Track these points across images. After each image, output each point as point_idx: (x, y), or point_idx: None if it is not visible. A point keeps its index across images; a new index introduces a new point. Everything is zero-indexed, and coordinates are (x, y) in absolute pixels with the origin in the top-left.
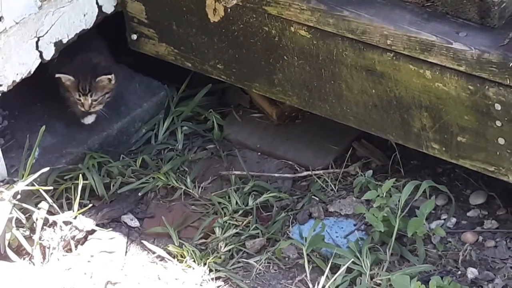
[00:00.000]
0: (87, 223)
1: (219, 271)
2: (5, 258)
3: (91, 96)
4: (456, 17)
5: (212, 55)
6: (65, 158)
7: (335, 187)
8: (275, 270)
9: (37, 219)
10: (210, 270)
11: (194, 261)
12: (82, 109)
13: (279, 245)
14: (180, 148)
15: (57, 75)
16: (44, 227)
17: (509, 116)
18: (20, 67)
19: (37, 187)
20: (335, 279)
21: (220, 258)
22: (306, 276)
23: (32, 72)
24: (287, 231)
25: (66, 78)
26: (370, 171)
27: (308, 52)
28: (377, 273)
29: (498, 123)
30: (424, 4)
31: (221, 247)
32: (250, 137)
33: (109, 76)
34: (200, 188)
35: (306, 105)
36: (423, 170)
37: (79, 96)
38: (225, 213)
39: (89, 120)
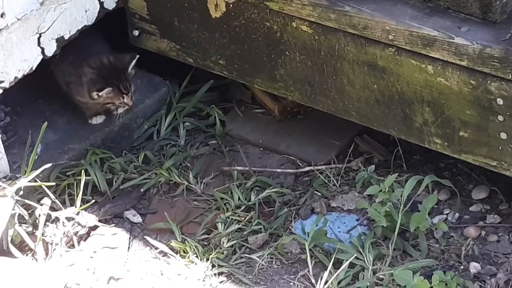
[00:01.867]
0: (90, 219)
1: (222, 266)
2: (8, 254)
3: (130, 92)
4: (458, 12)
5: (214, 50)
6: (68, 154)
7: (337, 182)
8: (278, 265)
9: (39, 215)
10: (213, 266)
11: (196, 256)
12: (126, 107)
13: (282, 240)
14: (182, 144)
15: (98, 93)
16: (47, 223)
17: (511, 110)
18: (22, 63)
19: (39, 183)
20: (337, 274)
21: (222, 253)
22: (308, 271)
23: (34, 69)
24: (290, 227)
25: (106, 92)
26: (373, 166)
27: (309, 47)
28: (380, 268)
29: (500, 118)
30: None
31: (223, 242)
32: (252, 132)
33: (136, 58)
34: (203, 184)
35: (308, 100)
36: (425, 165)
37: (123, 98)
38: (227, 209)
39: (98, 120)
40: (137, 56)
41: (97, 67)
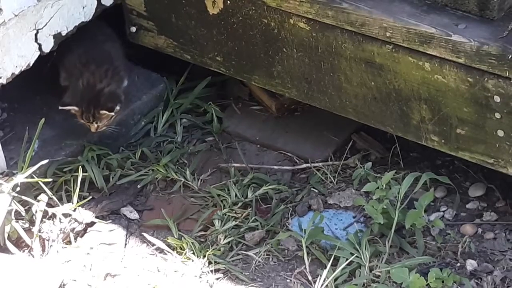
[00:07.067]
0: (87, 215)
1: (219, 263)
2: (5, 250)
3: (96, 123)
4: (455, 9)
5: (211, 47)
6: (65, 151)
7: (334, 179)
8: (274, 262)
9: (36, 212)
10: (210, 262)
11: (193, 253)
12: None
13: (278, 237)
14: (179, 140)
15: (60, 108)
16: (44, 219)
17: (508, 108)
18: (19, 59)
19: (36, 179)
20: (334, 272)
21: (219, 250)
22: (305, 268)
23: (31, 65)
24: (286, 223)
25: (70, 108)
26: (370, 163)
27: (307, 44)
28: (376, 265)
29: (497, 115)
30: None
31: (220, 239)
32: (249, 129)
33: (111, 113)
34: (200, 181)
35: (305, 97)
36: (422, 162)
37: (85, 122)
38: (224, 206)
39: None
40: (117, 107)
41: (89, 86)
